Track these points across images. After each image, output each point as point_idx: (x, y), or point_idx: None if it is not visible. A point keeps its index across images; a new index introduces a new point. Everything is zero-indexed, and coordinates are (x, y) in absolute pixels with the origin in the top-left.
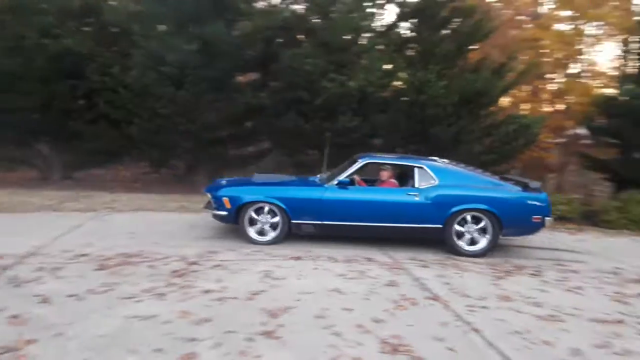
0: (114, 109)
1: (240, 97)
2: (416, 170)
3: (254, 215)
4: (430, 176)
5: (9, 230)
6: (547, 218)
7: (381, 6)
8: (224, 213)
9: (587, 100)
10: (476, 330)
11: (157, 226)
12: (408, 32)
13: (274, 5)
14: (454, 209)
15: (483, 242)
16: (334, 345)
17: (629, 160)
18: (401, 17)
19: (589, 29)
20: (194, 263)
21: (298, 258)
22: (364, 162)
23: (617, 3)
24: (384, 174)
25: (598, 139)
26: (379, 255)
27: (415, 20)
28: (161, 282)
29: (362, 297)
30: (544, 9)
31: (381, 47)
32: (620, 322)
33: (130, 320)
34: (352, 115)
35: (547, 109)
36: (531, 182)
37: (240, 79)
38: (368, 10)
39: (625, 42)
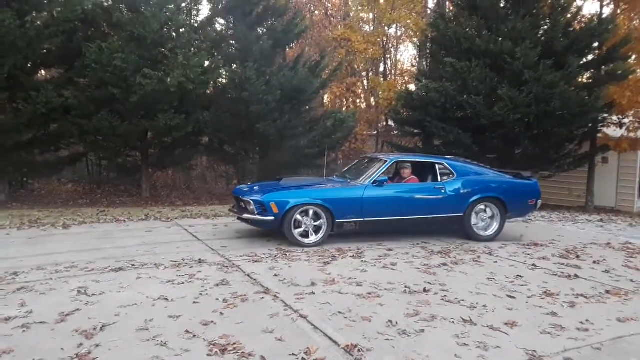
0: None
1: (40, 96)
2: (437, 167)
3: (299, 218)
4: (450, 171)
5: None
6: (538, 201)
7: (195, 1)
8: (270, 218)
9: (393, 96)
10: (303, 317)
11: None
12: (224, 28)
13: None
14: (473, 199)
15: (494, 226)
16: (157, 357)
17: (429, 147)
18: (216, 14)
19: (392, 31)
20: None
21: (119, 269)
22: (393, 161)
23: (412, 6)
24: (406, 172)
25: (404, 130)
26: (210, 255)
27: (230, 18)
28: None
29: (191, 302)
30: (352, 11)
31: (198, 43)
32: (427, 291)
33: None
34: (174, 113)
35: (362, 104)
36: (523, 172)
37: (45, 75)
38: (182, 4)
39: (420, 43)
